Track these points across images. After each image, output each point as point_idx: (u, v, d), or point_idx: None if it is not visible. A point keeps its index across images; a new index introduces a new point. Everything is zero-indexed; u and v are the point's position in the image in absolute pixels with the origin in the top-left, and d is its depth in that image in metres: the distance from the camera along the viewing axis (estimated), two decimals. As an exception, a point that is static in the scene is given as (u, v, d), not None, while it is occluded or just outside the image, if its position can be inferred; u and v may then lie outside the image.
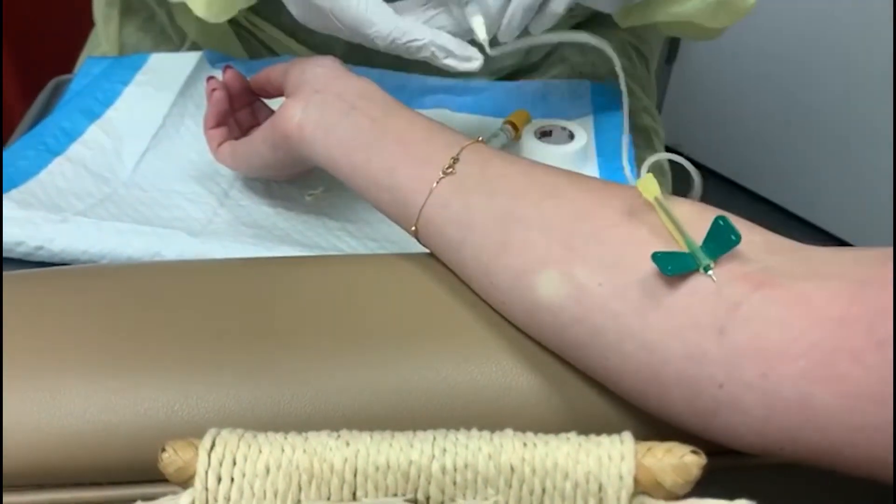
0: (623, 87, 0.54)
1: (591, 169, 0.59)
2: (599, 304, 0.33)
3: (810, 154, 1.54)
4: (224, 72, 0.52)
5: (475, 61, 0.47)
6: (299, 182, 0.56)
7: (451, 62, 0.47)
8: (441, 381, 0.35)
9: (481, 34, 0.47)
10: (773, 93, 1.55)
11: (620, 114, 0.64)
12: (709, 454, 0.27)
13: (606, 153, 0.60)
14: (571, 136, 0.60)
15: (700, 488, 0.26)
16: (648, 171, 0.33)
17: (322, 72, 0.46)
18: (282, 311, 0.38)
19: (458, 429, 0.27)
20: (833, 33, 1.43)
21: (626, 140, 0.57)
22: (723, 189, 1.68)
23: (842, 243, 1.53)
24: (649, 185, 0.32)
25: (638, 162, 0.70)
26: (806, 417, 0.28)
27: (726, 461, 0.31)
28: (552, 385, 0.36)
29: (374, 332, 0.37)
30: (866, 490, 0.28)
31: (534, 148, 0.59)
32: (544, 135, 0.61)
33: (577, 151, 0.58)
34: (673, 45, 1.64)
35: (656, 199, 0.32)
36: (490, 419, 0.35)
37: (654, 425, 0.34)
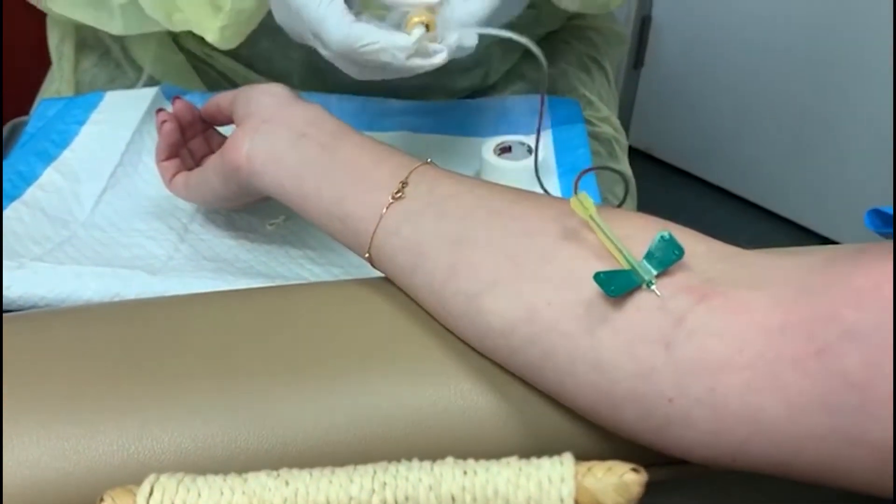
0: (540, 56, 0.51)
1: (552, 182, 0.59)
2: (549, 323, 0.33)
3: (782, 151, 1.56)
4: (173, 103, 0.52)
5: (439, 55, 0.45)
6: (260, 212, 0.56)
7: (416, 62, 0.45)
8: (399, 406, 0.35)
9: (408, 40, 0.44)
10: (742, 93, 1.57)
11: (580, 127, 0.65)
12: (660, 465, 0.27)
13: (566, 166, 0.60)
14: (530, 151, 0.60)
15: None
16: (582, 190, 0.33)
17: (270, 100, 0.46)
18: (238, 344, 0.38)
19: (424, 456, 0.27)
20: (799, 33, 1.44)
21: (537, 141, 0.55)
22: (696, 190, 1.69)
23: (815, 237, 1.54)
24: (584, 203, 0.32)
25: (599, 170, 0.70)
26: (754, 429, 0.28)
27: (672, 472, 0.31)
28: (511, 405, 0.36)
29: (331, 361, 0.37)
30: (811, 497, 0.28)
31: (494, 164, 0.59)
32: (504, 151, 0.61)
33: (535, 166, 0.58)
34: (640, 52, 1.65)
35: (591, 217, 0.32)
36: (450, 442, 0.35)
37: (614, 440, 0.34)
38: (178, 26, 0.57)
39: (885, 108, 1.35)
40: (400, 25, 0.46)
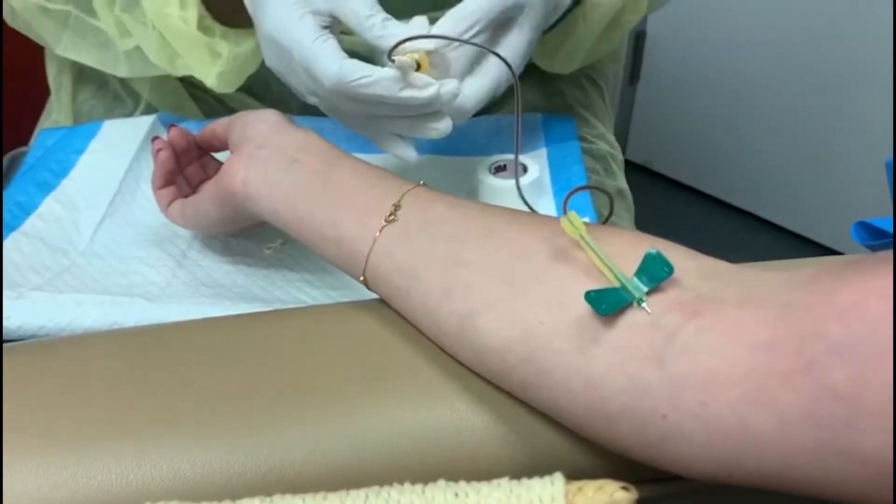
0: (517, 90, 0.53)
1: (547, 200, 0.60)
2: (543, 342, 0.33)
3: (781, 161, 1.56)
4: (168, 130, 0.52)
5: (432, 86, 0.47)
6: (257, 236, 0.56)
7: (409, 93, 0.46)
8: (395, 429, 0.36)
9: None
10: (739, 104, 1.58)
11: (574, 144, 0.65)
12: (651, 481, 0.27)
13: (561, 184, 0.61)
14: (525, 170, 0.60)
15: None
16: (571, 210, 0.33)
17: (263, 126, 0.46)
18: (235, 370, 0.38)
19: (421, 477, 0.27)
20: (796, 41, 1.45)
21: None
22: (697, 202, 1.70)
23: (817, 247, 1.54)
24: (574, 223, 0.33)
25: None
26: (747, 443, 0.28)
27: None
28: (507, 424, 0.36)
29: (327, 385, 0.37)
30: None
31: (489, 184, 0.59)
32: (499, 170, 0.61)
33: (531, 184, 0.59)
34: (635, 67, 1.66)
35: (581, 236, 0.32)
36: (447, 463, 0.36)
37: (609, 456, 0.34)
38: (179, 71, 0.59)
39: (884, 114, 1.35)
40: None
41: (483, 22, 0.48)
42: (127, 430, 0.35)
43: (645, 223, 0.79)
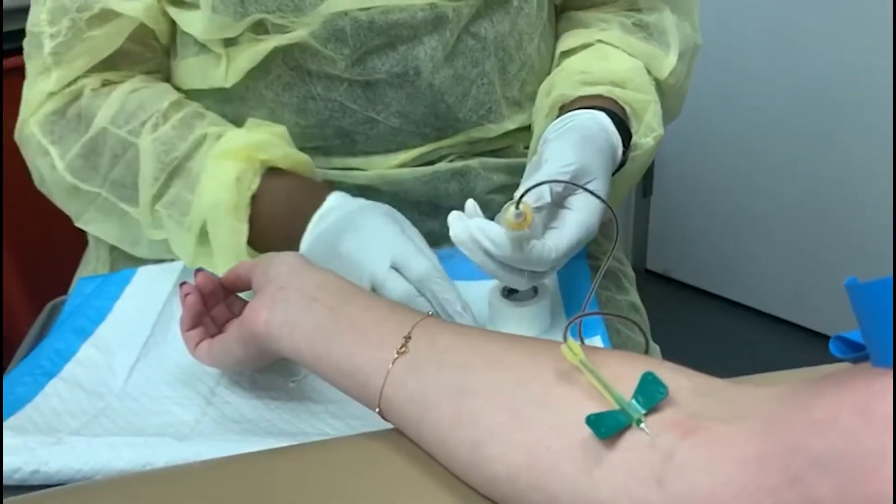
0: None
1: (560, 322, 0.62)
2: (550, 468, 0.34)
3: (796, 261, 1.58)
4: (195, 275, 0.56)
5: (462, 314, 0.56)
6: (282, 370, 0.59)
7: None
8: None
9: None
10: (749, 209, 1.61)
11: (583, 263, 0.68)
12: None
13: (572, 304, 0.63)
14: (536, 291, 0.63)
15: None
16: (571, 337, 0.36)
17: (284, 269, 0.50)
18: (260, 507, 0.40)
19: None
20: (799, 140, 1.50)
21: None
22: (720, 307, 1.71)
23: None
24: (573, 349, 0.35)
25: (610, 304, 0.73)
26: None
27: None
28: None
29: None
30: None
31: (499, 309, 0.62)
32: (511, 292, 0.63)
33: (542, 308, 0.61)
34: (647, 182, 1.71)
35: (581, 362, 0.34)
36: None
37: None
38: (196, 266, 0.61)
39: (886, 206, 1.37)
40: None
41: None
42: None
43: (668, 330, 0.80)
